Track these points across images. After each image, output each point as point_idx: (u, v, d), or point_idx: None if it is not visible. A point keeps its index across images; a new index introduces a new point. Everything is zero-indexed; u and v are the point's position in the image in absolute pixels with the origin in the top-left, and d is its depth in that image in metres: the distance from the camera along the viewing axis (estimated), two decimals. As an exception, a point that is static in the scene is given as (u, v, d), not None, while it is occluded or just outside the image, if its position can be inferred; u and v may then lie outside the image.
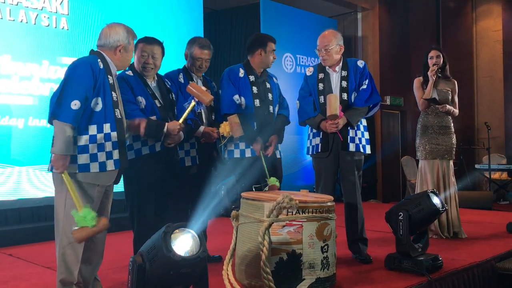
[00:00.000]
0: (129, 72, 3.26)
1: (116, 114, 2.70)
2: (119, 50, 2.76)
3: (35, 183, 5.39)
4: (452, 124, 4.76)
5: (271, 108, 3.81)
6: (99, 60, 2.68)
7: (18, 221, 5.00)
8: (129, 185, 3.19)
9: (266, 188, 3.44)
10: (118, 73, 2.96)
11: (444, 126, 4.70)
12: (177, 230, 2.13)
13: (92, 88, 2.58)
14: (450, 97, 4.75)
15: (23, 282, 3.35)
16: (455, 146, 4.74)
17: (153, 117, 3.17)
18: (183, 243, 2.12)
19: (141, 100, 3.18)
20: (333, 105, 3.50)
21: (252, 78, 3.76)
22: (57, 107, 2.50)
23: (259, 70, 3.82)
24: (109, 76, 2.70)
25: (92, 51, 2.78)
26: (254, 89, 3.74)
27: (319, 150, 3.74)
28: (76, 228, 2.43)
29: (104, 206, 2.77)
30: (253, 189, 3.39)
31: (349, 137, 3.67)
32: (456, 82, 4.83)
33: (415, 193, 4.71)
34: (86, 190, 2.60)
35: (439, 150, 4.66)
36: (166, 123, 3.12)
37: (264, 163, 3.58)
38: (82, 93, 2.52)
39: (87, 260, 2.68)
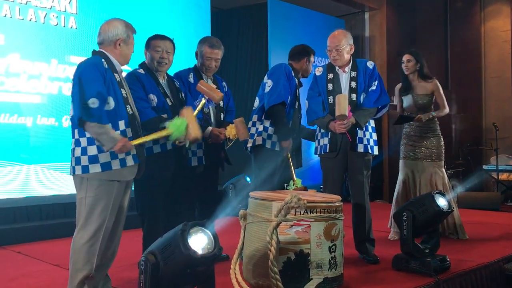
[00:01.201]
0: (141, 70, 3.29)
1: (128, 110, 2.74)
2: (119, 44, 2.76)
3: (43, 181, 5.43)
4: (437, 127, 4.64)
5: (300, 114, 3.95)
6: (103, 60, 2.69)
7: (26, 219, 5.01)
8: (139, 183, 3.19)
9: (293, 188, 3.49)
10: (125, 71, 2.98)
11: (426, 129, 4.58)
12: (192, 229, 2.14)
13: (104, 86, 2.60)
14: (431, 100, 4.63)
15: (31, 280, 3.37)
16: (442, 149, 4.62)
17: (165, 115, 3.18)
18: (199, 241, 2.14)
19: (153, 98, 3.20)
20: (342, 105, 3.49)
21: (296, 81, 3.88)
22: (82, 111, 2.53)
23: (299, 77, 3.96)
24: (115, 74, 2.72)
25: (94, 51, 2.79)
26: (297, 92, 3.86)
27: (327, 150, 3.74)
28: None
29: (123, 201, 2.79)
30: (286, 188, 3.45)
31: (357, 137, 3.67)
32: (437, 81, 4.66)
33: (395, 193, 4.70)
34: (107, 187, 2.63)
35: (419, 153, 4.57)
36: None
37: (291, 164, 3.62)
38: (95, 91, 2.55)
39: (101, 257, 2.69)
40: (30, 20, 5.43)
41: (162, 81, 3.34)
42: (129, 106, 2.76)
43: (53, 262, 3.85)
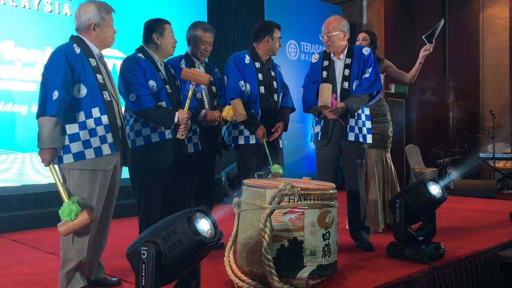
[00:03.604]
0: (140, 55, 3.23)
1: (105, 96, 2.64)
2: (93, 28, 2.68)
3: (38, 169, 5.41)
4: (387, 112, 4.52)
5: (275, 96, 3.82)
6: (75, 45, 2.62)
7: (21, 207, 5.02)
8: (137, 172, 3.17)
9: (270, 176, 3.45)
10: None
11: (376, 114, 4.43)
12: (195, 214, 2.13)
13: (70, 75, 2.54)
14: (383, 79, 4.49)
15: (26, 267, 3.37)
16: (390, 136, 4.51)
17: (163, 103, 3.15)
18: (203, 226, 2.14)
19: (153, 84, 3.15)
20: (324, 95, 3.43)
21: (257, 65, 3.77)
22: (40, 105, 2.51)
23: (265, 58, 3.83)
24: (90, 59, 2.64)
25: (71, 36, 2.72)
26: (260, 76, 3.75)
27: (319, 138, 3.74)
28: (61, 222, 2.46)
29: (112, 189, 2.76)
30: (256, 177, 3.39)
31: (348, 126, 3.64)
32: (388, 61, 4.59)
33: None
34: (90, 177, 2.59)
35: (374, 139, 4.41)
36: (177, 113, 3.11)
37: (267, 150, 3.59)
38: (59, 82, 2.49)
39: (92, 245, 2.68)
40: (24, 7, 5.37)
41: (161, 67, 3.30)
42: (106, 92, 2.66)
43: (48, 250, 3.85)
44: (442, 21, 4.57)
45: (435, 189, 3.38)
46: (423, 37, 4.49)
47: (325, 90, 3.45)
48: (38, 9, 5.46)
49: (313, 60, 3.88)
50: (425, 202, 3.34)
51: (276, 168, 3.46)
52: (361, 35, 4.53)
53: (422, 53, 4.48)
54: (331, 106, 3.47)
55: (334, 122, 3.64)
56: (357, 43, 4.50)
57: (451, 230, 4.39)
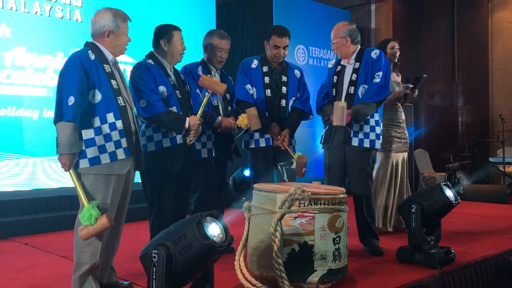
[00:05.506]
0: (150, 61, 3.25)
1: (119, 102, 2.67)
2: (107, 35, 2.71)
3: (49, 173, 5.47)
4: (404, 117, 4.61)
5: (283, 101, 3.81)
6: (90, 51, 2.65)
7: (33, 211, 5.06)
8: (148, 176, 3.20)
9: (294, 165, 3.49)
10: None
11: (401, 120, 4.53)
12: (205, 218, 2.15)
13: (85, 80, 2.57)
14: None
15: (38, 271, 3.40)
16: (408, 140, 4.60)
17: (173, 108, 3.18)
18: (213, 230, 2.16)
19: (163, 89, 3.17)
20: (339, 115, 3.44)
21: (265, 69, 3.81)
22: (57, 110, 2.54)
23: (273, 63, 3.82)
24: (104, 65, 2.67)
25: (86, 43, 2.76)
26: (266, 79, 3.78)
27: (322, 141, 3.81)
28: (81, 226, 2.49)
29: (125, 194, 2.78)
30: (279, 167, 3.44)
31: (353, 131, 3.62)
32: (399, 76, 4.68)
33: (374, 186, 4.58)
34: (104, 181, 2.62)
35: (399, 143, 4.53)
36: (188, 118, 3.13)
37: (284, 144, 3.63)
38: (75, 88, 2.52)
39: (104, 248, 2.71)
40: (36, 13, 5.45)
41: (170, 73, 3.33)
42: (120, 97, 2.69)
43: (60, 253, 3.89)
44: (425, 76, 4.63)
45: (449, 193, 3.38)
46: (408, 86, 4.49)
47: (339, 109, 3.44)
48: (49, 15, 5.53)
49: (330, 66, 3.96)
50: (442, 207, 3.34)
51: (298, 155, 3.51)
52: (396, 44, 4.57)
53: (401, 91, 4.47)
54: (346, 120, 3.49)
55: (337, 127, 3.62)
56: (391, 51, 4.52)
57: (461, 235, 4.38)
